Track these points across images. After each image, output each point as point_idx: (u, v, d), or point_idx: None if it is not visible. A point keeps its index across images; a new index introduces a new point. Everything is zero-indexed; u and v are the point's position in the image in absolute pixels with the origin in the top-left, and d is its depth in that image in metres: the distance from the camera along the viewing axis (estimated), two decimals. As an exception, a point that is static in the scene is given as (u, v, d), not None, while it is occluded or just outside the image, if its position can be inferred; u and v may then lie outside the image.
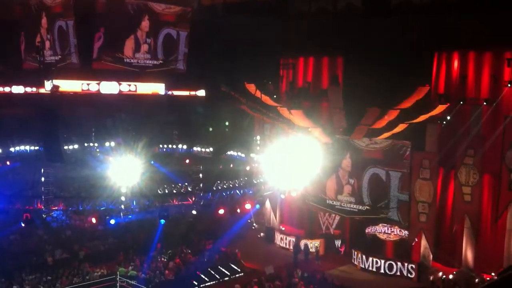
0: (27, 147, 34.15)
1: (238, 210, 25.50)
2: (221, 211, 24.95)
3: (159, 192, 25.40)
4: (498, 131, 24.82)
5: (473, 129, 25.39)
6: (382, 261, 27.41)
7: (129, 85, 25.92)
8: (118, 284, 24.48)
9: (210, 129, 34.15)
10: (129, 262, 26.67)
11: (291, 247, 30.38)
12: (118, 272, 25.31)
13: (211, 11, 26.36)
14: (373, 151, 28.31)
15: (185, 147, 37.34)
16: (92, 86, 25.51)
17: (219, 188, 25.93)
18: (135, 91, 26.27)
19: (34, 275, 24.66)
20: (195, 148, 37.07)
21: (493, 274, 24.29)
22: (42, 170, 22.33)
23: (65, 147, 33.22)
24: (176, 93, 28.95)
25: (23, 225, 22.28)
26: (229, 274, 26.73)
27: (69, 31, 24.69)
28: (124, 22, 25.68)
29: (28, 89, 27.39)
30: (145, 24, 26.04)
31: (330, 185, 30.11)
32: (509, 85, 24.23)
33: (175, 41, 27.26)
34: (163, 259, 27.42)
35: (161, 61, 27.02)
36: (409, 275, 26.67)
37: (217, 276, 26.32)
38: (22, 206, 22.19)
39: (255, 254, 29.87)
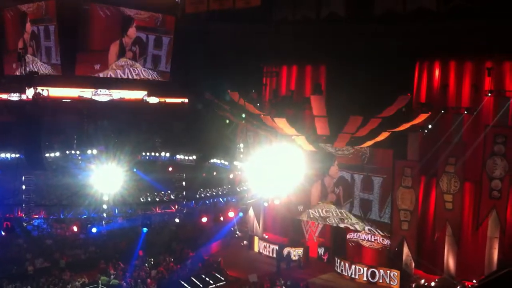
0: (8, 155, 33.70)
1: (222, 218, 25.38)
2: (204, 219, 24.82)
3: (142, 200, 25.11)
4: (479, 139, 25.18)
5: (454, 137, 25.71)
6: (365, 269, 27.51)
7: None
8: (100, 293, 24.28)
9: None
10: (110, 270, 26.42)
11: (274, 255, 30.39)
12: (99, 281, 25.07)
13: (195, 19, 26.34)
14: (351, 158, 28.56)
15: (168, 155, 37.12)
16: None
17: (202, 196, 25.71)
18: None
19: (14, 284, 24.32)
20: (178, 156, 36.85)
21: (474, 281, 24.55)
22: (23, 178, 22.02)
23: (47, 155, 32.78)
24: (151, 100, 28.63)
25: (3, 233, 21.94)
26: (212, 282, 26.64)
27: (52, 38, 24.52)
28: (110, 29, 25.57)
29: (10, 96, 27.07)
30: (132, 31, 25.97)
31: (314, 192, 30.21)
32: (489, 94, 24.63)
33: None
34: (146, 267, 27.22)
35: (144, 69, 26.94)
36: (391, 282, 26.80)
37: (200, 284, 26.21)
38: (2, 215, 21.80)
39: (238, 262, 29.81)
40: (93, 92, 26.35)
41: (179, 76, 28.69)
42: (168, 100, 30.27)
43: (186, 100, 30.71)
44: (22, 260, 27.06)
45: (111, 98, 26.62)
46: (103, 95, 26.54)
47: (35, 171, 23.64)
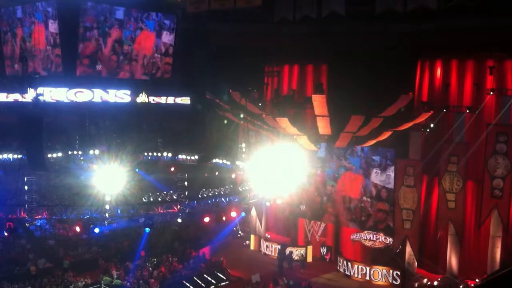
0: (10, 155, 33.74)
1: (224, 218, 25.39)
2: (207, 219, 24.82)
3: (144, 200, 25.14)
4: (480, 138, 25.13)
5: (456, 136, 25.68)
6: (367, 268, 27.49)
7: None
8: (102, 293, 24.29)
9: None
10: (113, 271, 26.44)
11: (276, 254, 30.39)
12: (102, 281, 25.10)
13: (196, 18, 26.31)
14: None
15: (170, 155, 37.12)
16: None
17: (205, 196, 25.70)
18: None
19: (16, 285, 24.36)
20: (180, 156, 36.85)
21: (477, 280, 24.51)
22: (25, 179, 22.06)
23: (49, 155, 32.83)
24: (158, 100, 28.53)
25: (5, 234, 21.97)
26: (214, 282, 26.67)
27: (53, 38, 24.50)
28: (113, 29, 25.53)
29: (11, 96, 27.06)
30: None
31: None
32: (491, 93, 24.59)
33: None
34: (148, 267, 27.24)
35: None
36: (394, 282, 26.78)
37: (202, 284, 26.23)
38: (4, 215, 21.85)
39: (241, 262, 29.82)
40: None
41: (181, 76, 28.64)
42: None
43: (188, 100, 30.55)
44: (25, 261, 27.11)
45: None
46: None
47: (37, 172, 23.68)
